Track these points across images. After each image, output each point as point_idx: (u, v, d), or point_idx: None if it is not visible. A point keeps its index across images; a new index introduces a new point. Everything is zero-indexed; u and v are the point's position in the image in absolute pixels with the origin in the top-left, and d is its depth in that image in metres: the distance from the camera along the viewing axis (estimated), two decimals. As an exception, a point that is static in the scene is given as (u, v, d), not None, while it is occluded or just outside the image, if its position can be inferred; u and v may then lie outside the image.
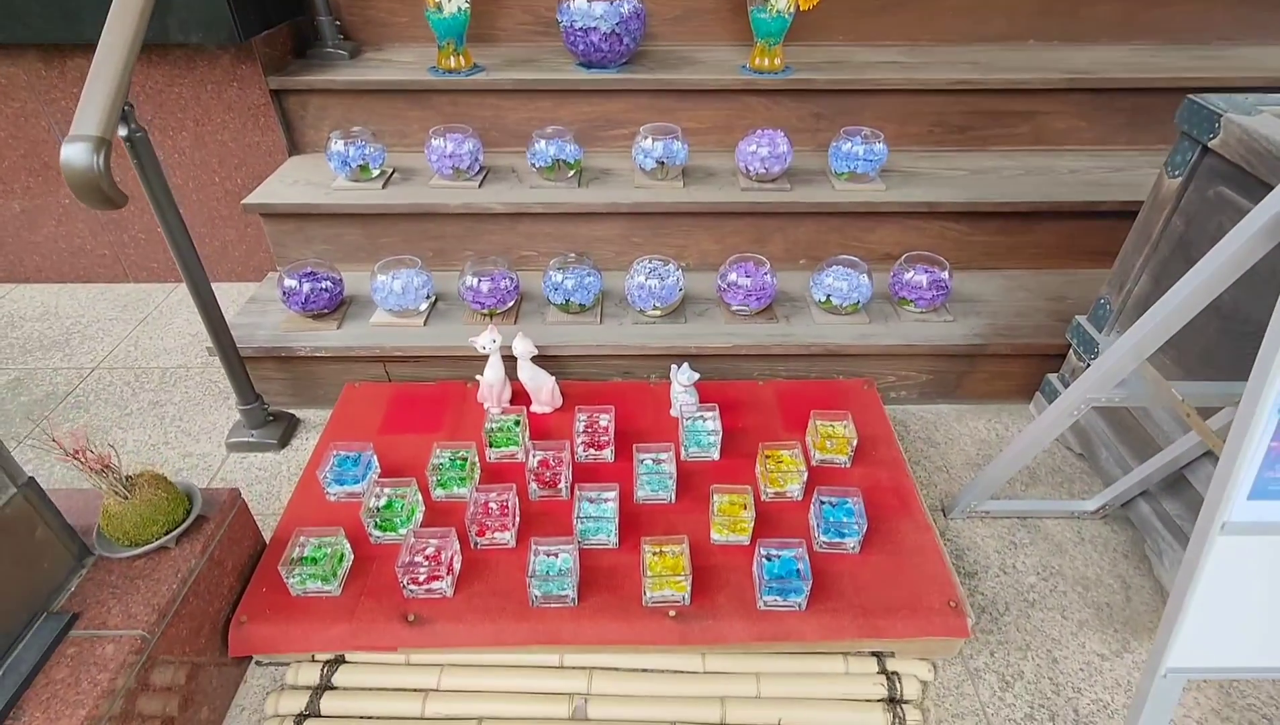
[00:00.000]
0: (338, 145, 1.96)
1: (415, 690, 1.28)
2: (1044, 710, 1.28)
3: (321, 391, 1.90)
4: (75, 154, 1.23)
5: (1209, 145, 1.33)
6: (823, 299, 1.87)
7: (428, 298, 1.88)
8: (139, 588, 1.12)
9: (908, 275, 1.86)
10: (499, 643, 1.25)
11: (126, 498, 1.12)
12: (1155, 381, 1.15)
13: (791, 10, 1.99)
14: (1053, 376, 1.85)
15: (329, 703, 1.26)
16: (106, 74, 1.28)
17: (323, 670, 1.28)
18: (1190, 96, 1.38)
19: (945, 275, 1.85)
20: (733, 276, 1.85)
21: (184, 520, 1.20)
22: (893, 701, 1.27)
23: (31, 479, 1.06)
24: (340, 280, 1.89)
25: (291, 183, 2.04)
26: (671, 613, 1.28)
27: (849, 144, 1.98)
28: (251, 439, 1.79)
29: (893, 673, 1.30)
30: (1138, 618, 1.43)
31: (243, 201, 1.95)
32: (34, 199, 2.29)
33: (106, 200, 1.27)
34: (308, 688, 1.28)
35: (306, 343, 1.80)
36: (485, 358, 1.66)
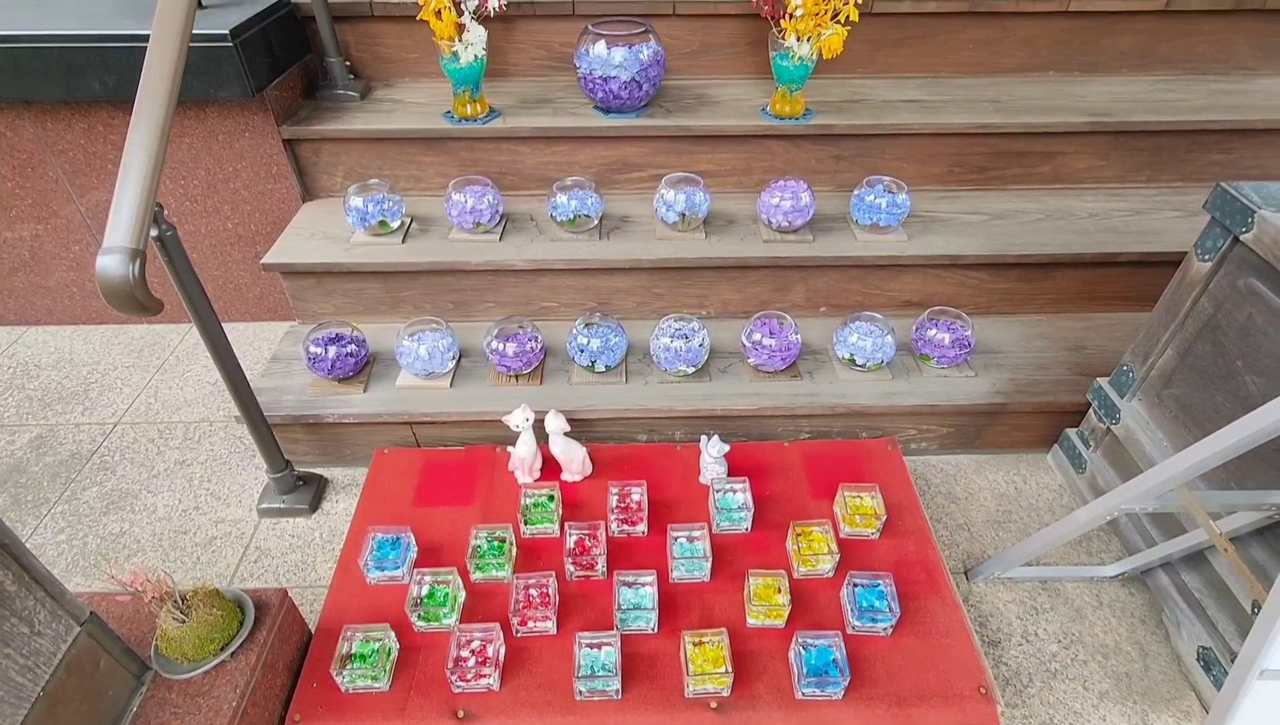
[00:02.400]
0: (355, 201, 1.94)
1: (466, 778, 1.32)
2: (1068, 788, 1.34)
3: (349, 451, 1.91)
4: (110, 266, 1.21)
5: (1241, 238, 1.34)
6: (846, 357, 1.89)
7: (453, 359, 1.88)
8: (200, 706, 1.15)
9: (930, 332, 1.88)
10: (547, 738, 1.30)
11: (184, 621, 1.14)
12: (1193, 504, 1.18)
13: (813, 58, 1.96)
14: (1072, 432, 1.88)
15: (383, 794, 1.30)
16: (136, 179, 1.25)
17: (377, 767, 1.32)
18: (1223, 185, 1.38)
19: (968, 333, 1.86)
20: (757, 336, 1.85)
21: (238, 632, 1.22)
22: (925, 783, 1.32)
23: (93, 614, 1.08)
24: (364, 341, 1.89)
25: (309, 237, 2.02)
26: (713, 704, 1.32)
27: (871, 195, 1.97)
28: (283, 505, 1.81)
29: (924, 753, 1.35)
30: (1155, 688, 1.49)
31: (262, 262, 1.93)
32: (43, 244, 2.25)
33: (142, 308, 1.26)
34: (361, 778, 1.33)
35: (334, 410, 1.80)
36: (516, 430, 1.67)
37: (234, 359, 1.53)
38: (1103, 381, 1.74)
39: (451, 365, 1.89)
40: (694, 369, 1.87)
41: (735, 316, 2.10)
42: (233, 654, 1.21)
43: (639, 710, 1.31)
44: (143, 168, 1.25)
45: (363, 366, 1.89)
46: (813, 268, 2.00)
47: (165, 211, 1.36)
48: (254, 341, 2.36)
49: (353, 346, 1.84)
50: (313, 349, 1.80)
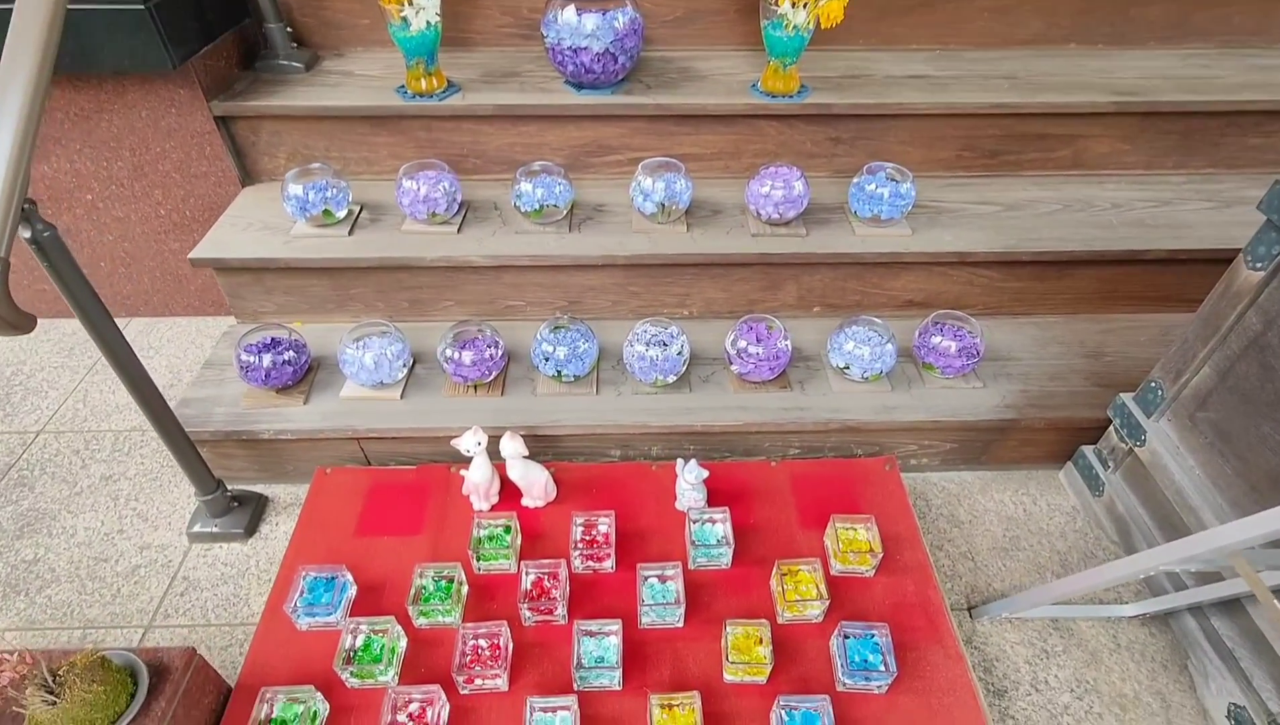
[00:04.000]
0: (294, 188, 1.73)
1: None
2: None
3: (291, 467, 1.73)
4: (-36, 279, 1.01)
5: (1304, 245, 1.15)
6: (841, 366, 1.70)
7: (405, 367, 1.69)
8: (80, 797, 0.98)
9: (935, 339, 1.69)
10: (493, 818, 1.14)
11: (55, 702, 0.97)
12: (1243, 568, 1.00)
13: (810, 27, 1.74)
14: (1088, 450, 1.71)
15: None
16: (-4, 173, 1.05)
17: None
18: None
19: (977, 340, 1.68)
20: (743, 343, 1.66)
21: (129, 706, 1.05)
22: None
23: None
24: (304, 347, 1.69)
25: (245, 227, 1.81)
26: (683, 776, 1.16)
27: (872, 184, 1.77)
28: (215, 530, 1.63)
29: (920, 826, 1.20)
30: (1179, 746, 1.33)
31: (190, 256, 1.72)
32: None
33: (9, 327, 1.07)
34: None
35: (270, 425, 1.62)
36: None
37: (141, 371, 1.34)
38: (1126, 397, 1.55)
39: (403, 374, 1.69)
40: (673, 379, 1.68)
41: (720, 317, 1.90)
42: (124, 730, 1.04)
43: (598, 784, 1.15)
44: (3, 159, 1.05)
45: (304, 374, 1.70)
46: (806, 265, 1.81)
47: (40, 206, 1.16)
48: (196, 339, 2.16)
49: (290, 353, 1.64)
50: (244, 357, 1.61)
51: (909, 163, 1.88)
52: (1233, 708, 1.30)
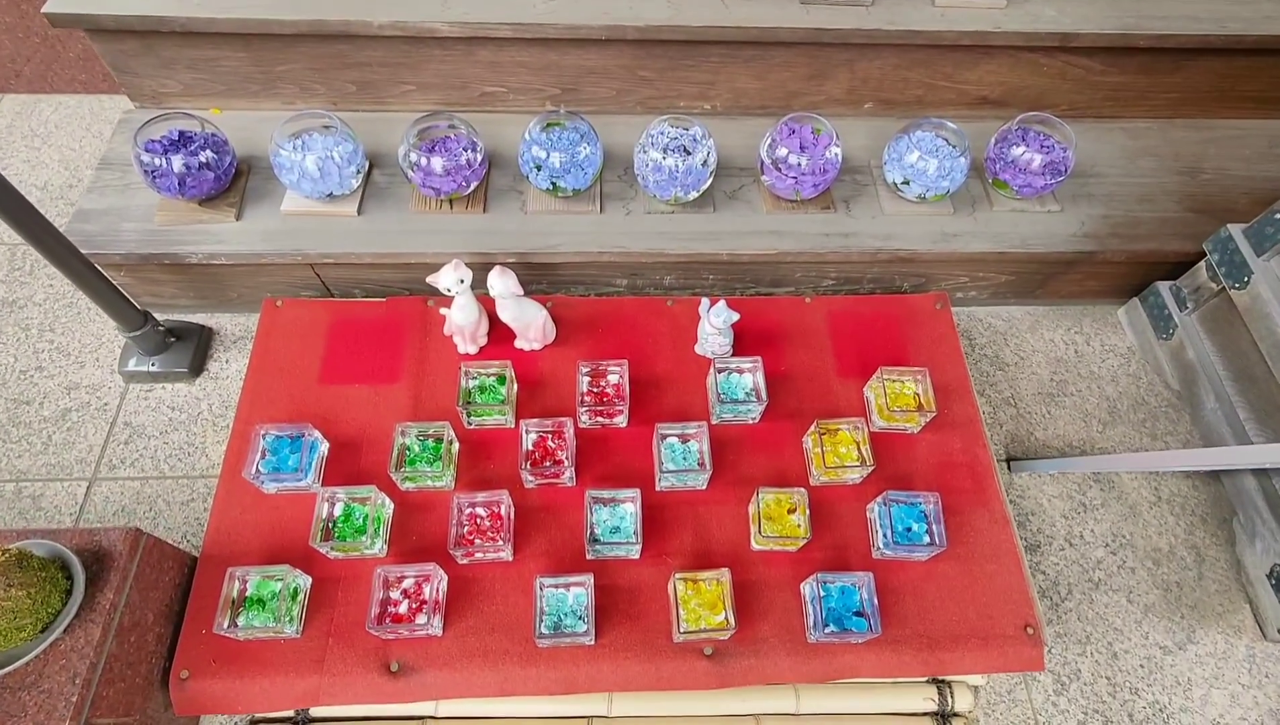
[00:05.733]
0: (176, -91, 1.23)
1: (412, 718, 1.11)
2: (1098, 717, 1.20)
3: (235, 294, 1.45)
4: None
5: None
6: (899, 181, 1.40)
7: (358, 173, 1.35)
8: (26, 704, 0.85)
9: (1016, 151, 1.38)
10: (503, 692, 1.06)
11: (-36, 615, 0.79)
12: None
13: None
14: (1163, 285, 1.49)
15: (310, 739, 1.09)
16: None
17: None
18: None
19: (1067, 152, 1.37)
20: (783, 151, 1.34)
21: (66, 604, 0.88)
22: (944, 717, 1.15)
23: None
24: (225, 144, 1.32)
25: (119, -30, 1.33)
26: (707, 649, 1.08)
27: (968, -70, 1.32)
28: (154, 369, 1.39)
29: (944, 681, 1.17)
30: (1207, 600, 1.30)
31: (44, 9, 1.27)
32: None
33: None
34: (285, 718, 1.11)
35: (197, 247, 1.31)
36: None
37: (2, 184, 1.00)
38: (1235, 229, 1.31)
39: (356, 183, 1.35)
40: (694, 195, 1.37)
41: (749, 113, 1.54)
42: (66, 630, 0.89)
43: (616, 659, 1.07)
44: None
45: (229, 181, 1.35)
46: (866, 47, 1.42)
47: None
48: (93, 125, 1.73)
49: (209, 152, 1.28)
50: (146, 157, 1.24)
51: (1014, -100, 1.41)
52: (1277, 568, 1.24)
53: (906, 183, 1.39)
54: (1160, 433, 1.46)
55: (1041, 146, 1.37)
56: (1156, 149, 1.56)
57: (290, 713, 1.10)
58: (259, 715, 1.10)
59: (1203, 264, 1.38)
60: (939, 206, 1.42)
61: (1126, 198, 1.48)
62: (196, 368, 1.42)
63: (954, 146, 1.36)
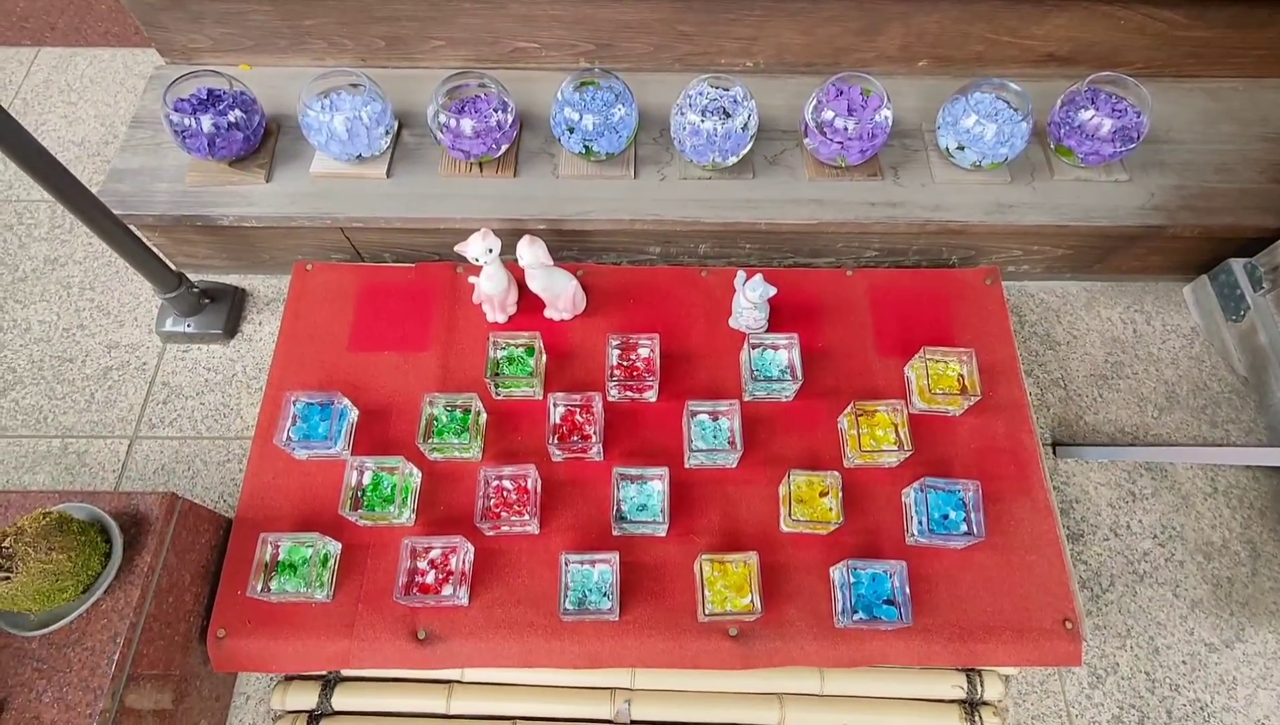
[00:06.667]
0: None
1: (439, 682, 1.14)
2: (1134, 712, 1.16)
3: (267, 256, 1.45)
4: None
5: None
6: (953, 146, 1.31)
7: (387, 134, 1.31)
8: (70, 660, 0.89)
9: (1084, 114, 1.27)
10: (526, 664, 1.07)
11: (8, 577, 0.81)
12: None
13: None
14: (1236, 263, 1.39)
15: (341, 698, 1.12)
16: None
17: (323, 687, 1.11)
18: None
19: (1141, 117, 1.26)
20: (829, 113, 1.26)
21: (105, 567, 0.91)
22: (972, 706, 1.13)
23: None
24: (254, 104, 1.30)
25: (144, -81, 1.29)
26: (732, 630, 1.07)
27: None
28: (189, 330, 1.40)
29: (974, 670, 1.15)
30: (1259, 598, 1.24)
31: (73, -37, 1.24)
32: None
33: None
34: (317, 677, 1.14)
35: (228, 209, 1.30)
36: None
37: (26, 139, 0.99)
38: (1324, 205, 1.20)
39: (385, 144, 1.32)
40: (734, 161, 1.31)
41: (794, 71, 1.46)
42: (106, 591, 0.91)
43: (640, 635, 1.07)
44: None
45: (259, 141, 1.33)
46: (924, -2, 1.32)
47: None
48: (127, 80, 1.72)
49: (237, 111, 1.26)
50: (176, 117, 1.23)
51: None
52: (1340, 570, 1.17)
53: (961, 149, 1.30)
54: (1221, 421, 1.38)
55: (1113, 110, 1.27)
56: (1240, 112, 1.43)
57: (323, 671, 1.13)
58: (293, 673, 1.13)
59: (1284, 241, 1.28)
60: (995, 175, 1.33)
61: (1203, 167, 1.37)
62: (231, 329, 1.43)
63: (1015, 110, 1.26)
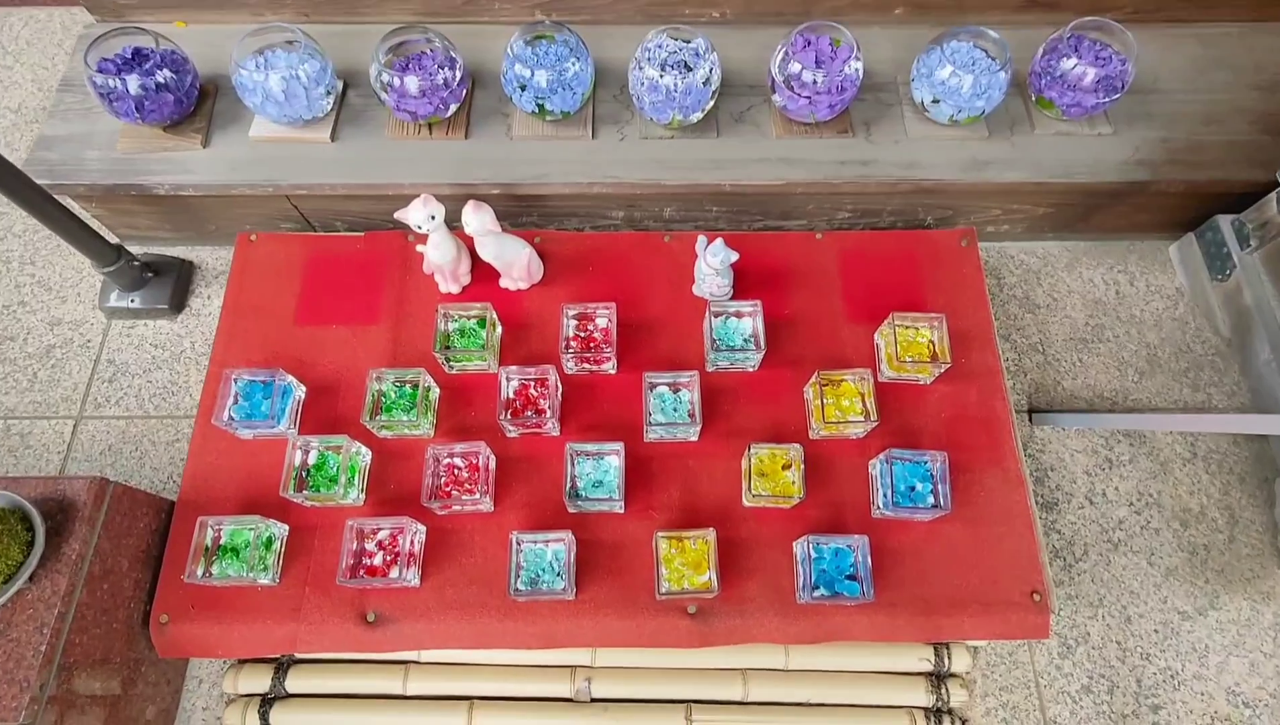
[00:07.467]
0: None
1: (395, 663, 1.12)
2: (1104, 681, 1.15)
3: (213, 226, 1.39)
4: None
5: None
6: (928, 100, 1.24)
7: (329, 94, 1.24)
8: (-5, 653, 0.85)
9: (1066, 63, 1.20)
10: (480, 644, 1.04)
11: (-83, 571, 0.78)
12: None
13: None
14: (1224, 219, 1.33)
15: (295, 680, 1.10)
16: None
17: (276, 670, 1.09)
18: None
19: (1126, 65, 1.19)
20: (796, 66, 1.19)
21: (27, 556, 0.87)
22: (939, 678, 1.12)
23: None
24: (185, 62, 1.22)
25: None
26: (691, 608, 1.04)
27: None
28: (134, 305, 1.35)
29: (941, 642, 1.13)
30: (1236, 564, 1.21)
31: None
32: None
33: None
34: (270, 660, 1.12)
35: (164, 177, 1.23)
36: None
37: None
38: (1316, 157, 1.14)
39: (328, 105, 1.25)
40: (697, 117, 1.24)
41: (761, 22, 1.38)
42: (30, 580, 0.88)
43: (597, 615, 1.04)
44: None
45: (194, 104, 1.25)
46: (898, -62, 1.23)
47: None
48: (64, 41, 1.63)
49: (166, 71, 1.18)
50: (100, 78, 1.15)
51: None
52: (1319, 536, 1.15)
53: (936, 102, 1.23)
54: (1203, 384, 1.33)
55: (1096, 58, 1.20)
56: (1233, 59, 1.36)
57: (275, 655, 1.11)
58: (245, 656, 1.11)
59: (1274, 195, 1.22)
60: (972, 130, 1.26)
61: (1191, 118, 1.30)
62: (177, 304, 1.38)
63: (994, 59, 1.19)
